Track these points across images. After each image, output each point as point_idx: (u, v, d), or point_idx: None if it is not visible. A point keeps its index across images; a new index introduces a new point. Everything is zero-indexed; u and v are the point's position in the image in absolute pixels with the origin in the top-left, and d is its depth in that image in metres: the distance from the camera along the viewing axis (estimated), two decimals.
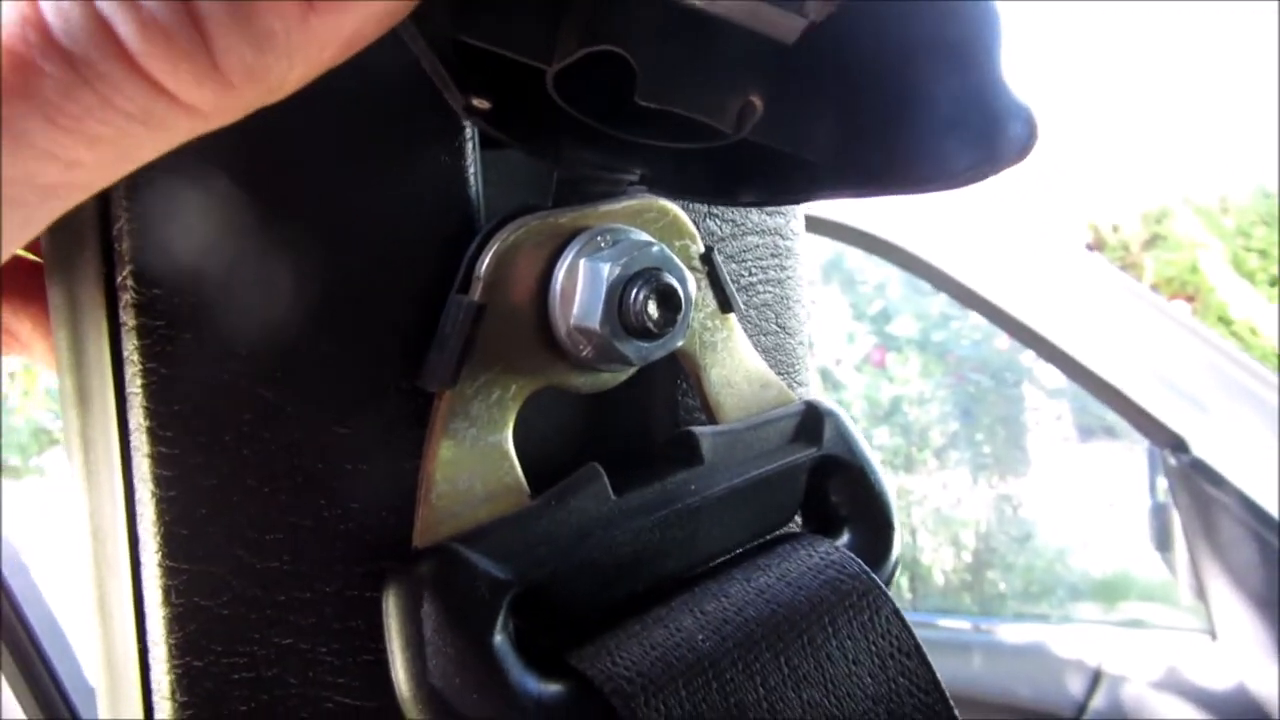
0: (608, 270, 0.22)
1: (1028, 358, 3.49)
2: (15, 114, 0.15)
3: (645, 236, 0.23)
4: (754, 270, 0.28)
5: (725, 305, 0.25)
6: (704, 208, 0.27)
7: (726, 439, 0.25)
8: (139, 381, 0.20)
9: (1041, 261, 1.21)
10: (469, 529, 0.21)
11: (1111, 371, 1.13)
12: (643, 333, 0.22)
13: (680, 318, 0.22)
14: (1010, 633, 1.33)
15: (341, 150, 0.21)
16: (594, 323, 0.22)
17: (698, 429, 0.24)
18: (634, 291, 0.22)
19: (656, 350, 0.22)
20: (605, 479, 0.22)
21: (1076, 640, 1.29)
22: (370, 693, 0.22)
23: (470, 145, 0.23)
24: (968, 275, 1.19)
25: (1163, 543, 1.33)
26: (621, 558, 0.22)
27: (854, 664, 0.23)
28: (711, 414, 0.25)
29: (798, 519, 0.27)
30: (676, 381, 0.26)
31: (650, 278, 0.22)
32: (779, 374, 0.28)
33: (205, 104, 0.16)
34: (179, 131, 0.16)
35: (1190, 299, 3.84)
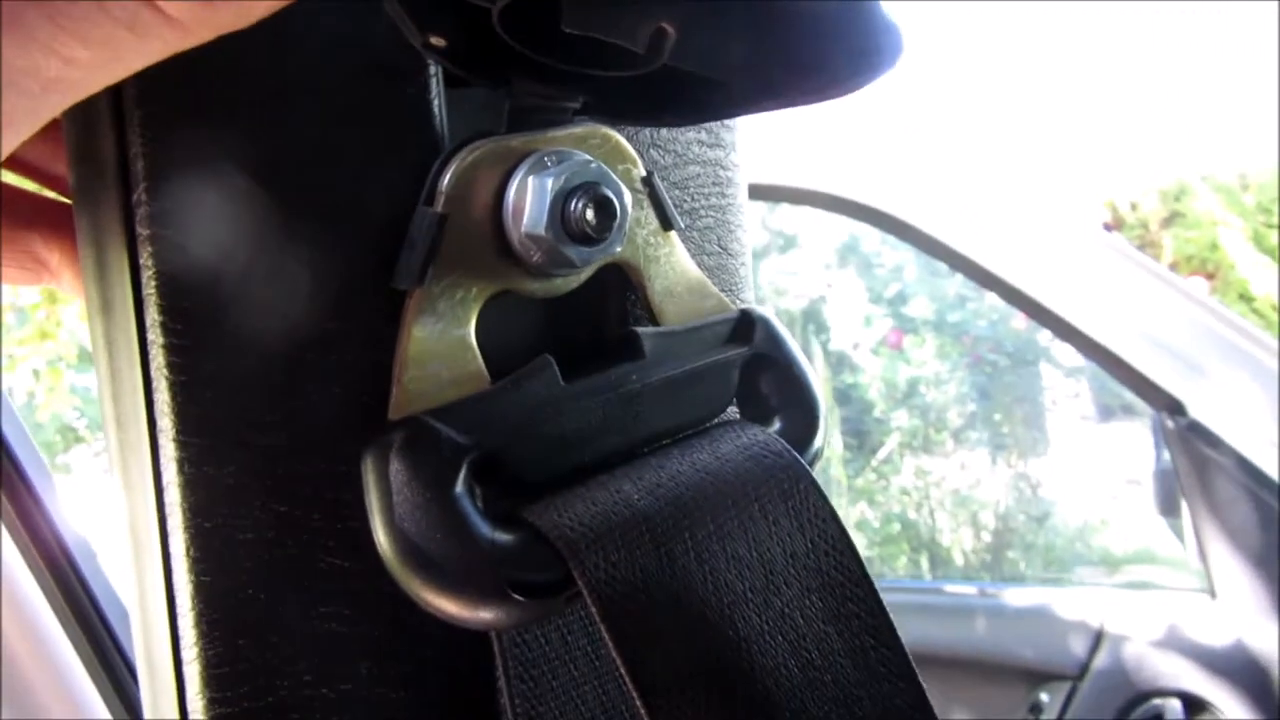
0: (551, 184, 0.25)
1: (1045, 337, 3.50)
2: (23, 12, 0.18)
3: (586, 157, 0.26)
4: (696, 197, 0.31)
5: (666, 223, 0.29)
6: (648, 139, 0.30)
7: (666, 338, 0.28)
8: (153, 284, 0.24)
9: (1038, 228, 1.23)
10: (435, 407, 0.25)
11: (1109, 336, 1.16)
12: (583, 238, 0.25)
13: (616, 225, 0.26)
14: (1014, 596, 1.36)
15: (325, 86, 0.25)
16: (540, 229, 0.25)
17: (640, 329, 0.28)
18: (574, 202, 0.25)
19: (597, 254, 0.26)
20: (555, 367, 0.26)
21: (1079, 602, 1.32)
22: (353, 555, 0.26)
23: (435, 81, 0.26)
24: (975, 246, 1.22)
25: (1167, 508, 1.35)
26: (568, 433, 0.26)
27: (774, 524, 0.26)
28: (655, 320, 0.29)
29: (736, 414, 0.30)
30: (625, 294, 0.30)
31: (588, 189, 0.25)
32: (723, 291, 0.31)
33: (184, 17, 0.19)
34: (161, 42, 0.19)
35: (1210, 276, 3.82)
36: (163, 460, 0.25)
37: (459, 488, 0.24)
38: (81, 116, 0.25)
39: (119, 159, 0.24)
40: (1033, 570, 3.11)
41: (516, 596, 0.23)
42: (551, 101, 0.26)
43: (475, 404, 0.25)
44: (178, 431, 0.24)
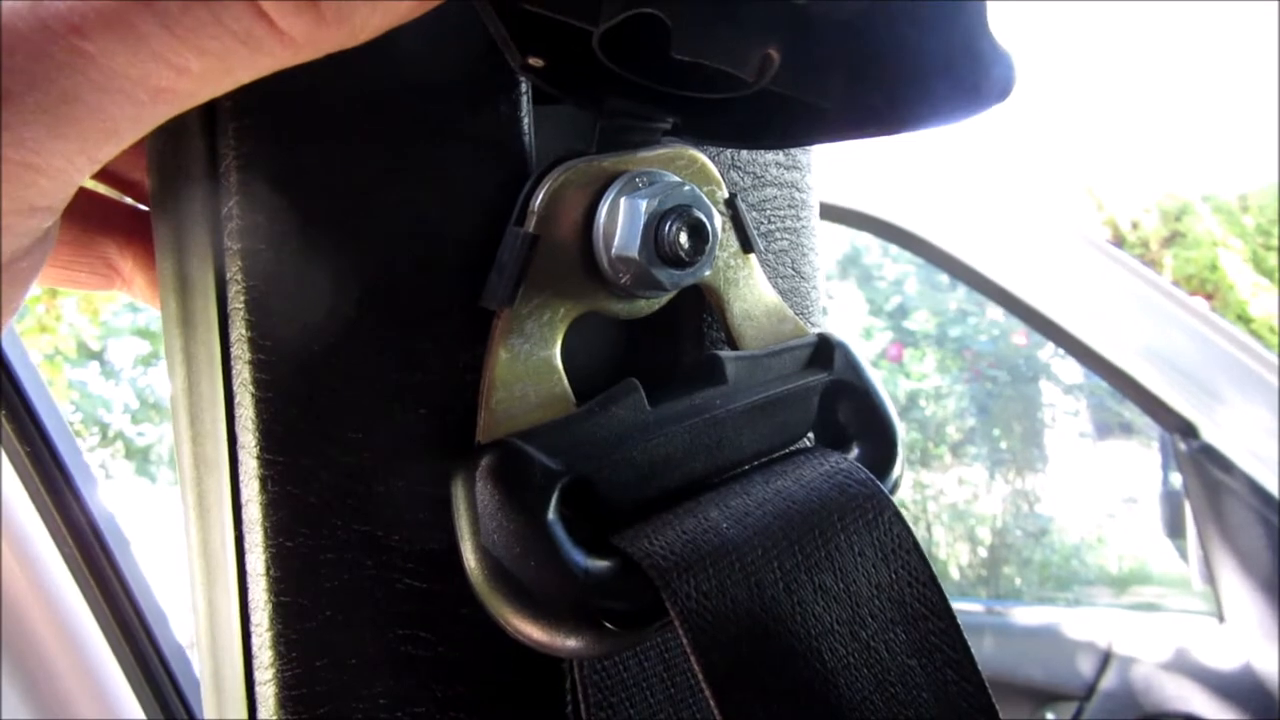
0: (645, 205, 0.25)
1: (1045, 353, 3.50)
2: (140, 20, 0.18)
3: (677, 179, 0.26)
4: (772, 219, 0.31)
5: (746, 245, 0.28)
6: (728, 160, 0.30)
7: (747, 363, 0.28)
8: (242, 299, 0.24)
9: (1054, 247, 1.23)
10: (523, 429, 0.24)
11: (1123, 358, 1.16)
12: (675, 261, 0.25)
13: (708, 248, 0.25)
14: (1021, 615, 1.36)
15: (420, 101, 0.24)
16: (633, 252, 0.25)
17: (723, 353, 0.27)
18: (668, 225, 0.25)
19: (687, 277, 0.26)
20: (642, 391, 0.26)
21: (1087, 622, 1.32)
22: (432, 577, 0.25)
23: (525, 99, 0.26)
24: (985, 263, 1.22)
25: (1174, 530, 1.35)
26: (655, 458, 0.25)
27: (859, 555, 0.26)
28: (733, 343, 0.28)
29: (810, 438, 0.30)
30: (702, 315, 0.29)
31: (682, 213, 0.25)
32: (795, 314, 0.31)
33: (298, 34, 0.19)
34: (272, 58, 0.19)
35: (1209, 297, 3.84)
36: (243, 477, 0.25)
37: (551, 514, 0.23)
38: (169, 125, 0.25)
39: (208, 170, 0.24)
40: (1029, 587, 3.11)
41: (609, 626, 0.23)
42: (642, 122, 0.26)
43: (563, 427, 0.25)
44: (262, 449, 0.24)
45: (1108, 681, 1.23)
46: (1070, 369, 3.33)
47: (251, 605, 0.25)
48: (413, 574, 0.25)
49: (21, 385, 0.48)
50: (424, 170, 0.25)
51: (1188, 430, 1.15)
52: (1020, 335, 3.39)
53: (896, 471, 0.29)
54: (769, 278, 0.30)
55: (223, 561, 0.26)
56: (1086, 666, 1.26)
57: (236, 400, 0.24)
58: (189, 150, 0.24)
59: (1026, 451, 3.41)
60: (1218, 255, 3.79)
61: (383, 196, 0.24)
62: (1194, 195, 3.91)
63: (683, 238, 0.25)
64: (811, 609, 0.25)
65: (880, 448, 0.29)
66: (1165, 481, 1.37)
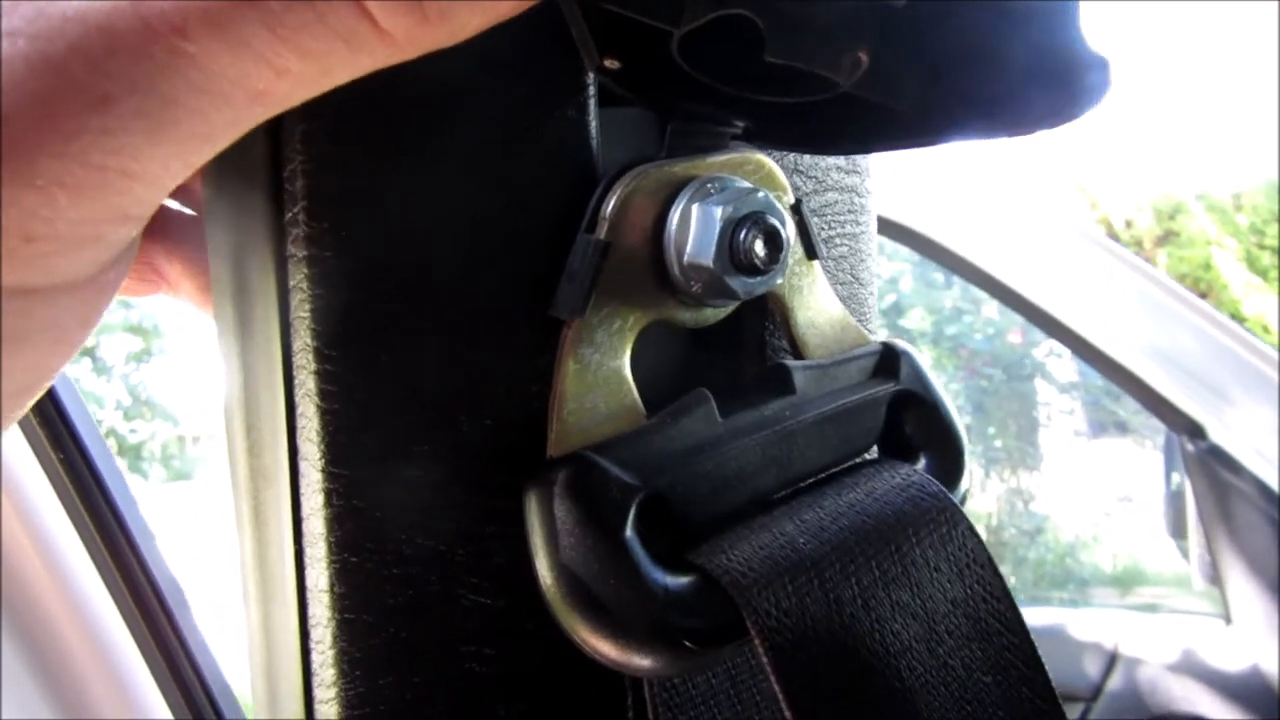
0: (720, 212, 0.24)
1: (1040, 352, 3.51)
2: (243, 19, 0.17)
3: (749, 185, 0.25)
4: (833, 224, 0.30)
5: (811, 252, 0.28)
6: (790, 164, 0.29)
7: (815, 372, 0.27)
8: (307, 307, 0.23)
9: (1060, 245, 1.23)
10: (595, 442, 0.24)
11: (1130, 358, 1.16)
12: (750, 269, 0.24)
13: (782, 256, 0.25)
14: (1027, 616, 1.35)
15: (489, 105, 0.24)
16: (707, 260, 0.24)
17: (790, 362, 0.27)
18: (743, 232, 0.24)
19: (760, 286, 0.25)
20: (713, 403, 0.25)
21: (1093, 623, 1.32)
22: (497, 592, 0.25)
23: (592, 102, 0.25)
24: (991, 261, 1.22)
25: (1177, 530, 1.35)
26: (728, 472, 0.25)
27: (935, 570, 0.25)
28: (798, 352, 0.28)
29: (874, 449, 0.29)
30: (764, 324, 0.29)
31: (758, 219, 0.24)
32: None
33: (400, 34, 0.18)
34: (371, 58, 0.18)
35: (1203, 296, 3.86)
36: (305, 490, 0.24)
37: (629, 531, 0.23)
38: None
39: (271, 175, 0.23)
40: (1024, 585, 3.12)
41: (687, 644, 0.22)
42: (712, 125, 0.26)
43: (636, 440, 0.24)
44: (326, 462, 0.23)
45: (1114, 683, 1.23)
46: (1065, 368, 3.34)
47: (312, 622, 0.24)
48: (477, 589, 0.25)
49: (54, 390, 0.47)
50: (492, 176, 0.24)
51: (1195, 431, 1.15)
52: (1016, 334, 3.40)
53: (965, 483, 0.28)
54: (830, 284, 0.30)
55: (280, 576, 0.25)
56: (1093, 668, 1.26)
57: (299, 411, 0.24)
58: (250, 154, 0.24)
59: (1022, 450, 3.42)
60: (1211, 254, 3.80)
61: (451, 203, 0.24)
62: (1188, 194, 3.92)
63: (758, 245, 0.24)
64: (890, 626, 0.24)
65: (948, 459, 0.28)
66: (1168, 481, 1.37)
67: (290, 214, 0.23)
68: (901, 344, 0.29)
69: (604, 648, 0.22)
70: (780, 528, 0.24)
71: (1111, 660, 1.25)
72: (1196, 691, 1.18)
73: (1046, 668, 0.26)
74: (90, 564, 0.48)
